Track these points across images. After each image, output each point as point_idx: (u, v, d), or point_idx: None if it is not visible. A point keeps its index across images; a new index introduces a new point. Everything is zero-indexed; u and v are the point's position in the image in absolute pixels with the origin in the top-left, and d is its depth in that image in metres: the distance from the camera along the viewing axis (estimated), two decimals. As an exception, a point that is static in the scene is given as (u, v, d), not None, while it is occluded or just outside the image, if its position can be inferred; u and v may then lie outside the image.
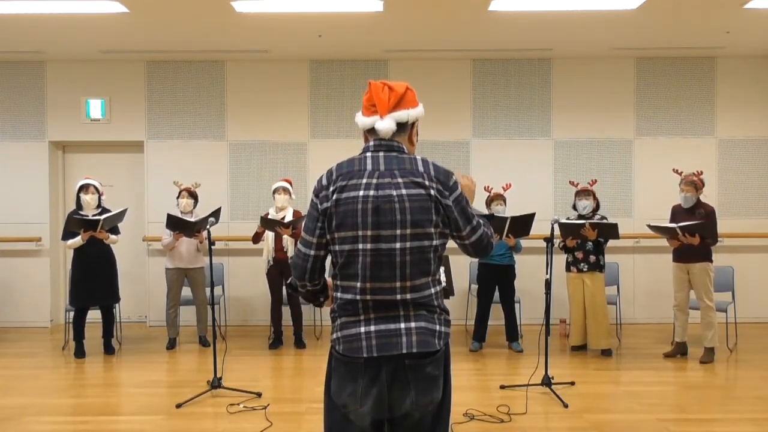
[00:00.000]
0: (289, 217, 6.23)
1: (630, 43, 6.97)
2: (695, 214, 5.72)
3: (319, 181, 2.18)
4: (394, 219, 2.05)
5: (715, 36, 6.68)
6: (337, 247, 2.12)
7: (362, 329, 2.07)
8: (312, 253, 2.16)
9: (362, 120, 2.20)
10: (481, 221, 2.22)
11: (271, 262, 6.36)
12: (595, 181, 6.33)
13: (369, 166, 2.12)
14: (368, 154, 2.16)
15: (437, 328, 2.09)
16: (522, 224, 5.63)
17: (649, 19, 6.09)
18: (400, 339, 2.04)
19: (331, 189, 2.12)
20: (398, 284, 2.06)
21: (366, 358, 2.05)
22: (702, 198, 5.85)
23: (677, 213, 5.90)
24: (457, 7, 5.68)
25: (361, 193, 2.08)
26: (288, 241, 6.30)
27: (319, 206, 2.14)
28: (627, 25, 6.30)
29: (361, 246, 2.07)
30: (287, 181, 6.51)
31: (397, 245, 2.05)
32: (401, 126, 2.17)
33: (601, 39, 6.80)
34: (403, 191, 2.06)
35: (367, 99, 2.20)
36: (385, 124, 2.14)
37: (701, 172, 5.91)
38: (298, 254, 2.20)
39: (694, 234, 5.56)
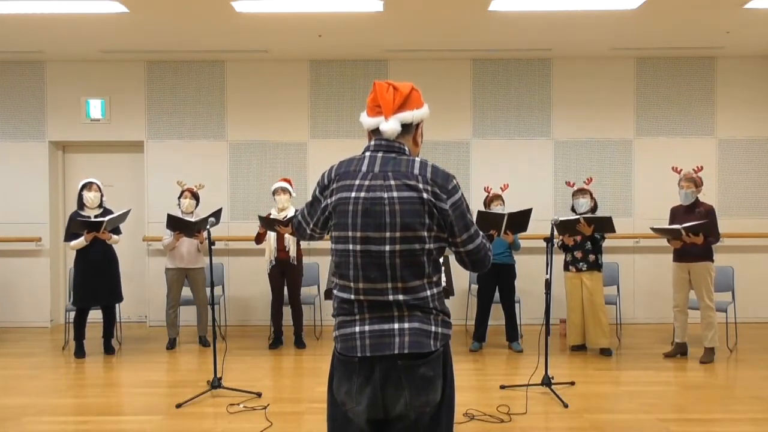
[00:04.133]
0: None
1: (630, 43, 6.97)
2: (695, 213, 5.73)
3: (322, 178, 2.21)
4: (384, 221, 2.04)
5: (715, 36, 6.68)
6: (333, 246, 2.15)
7: (357, 329, 2.07)
8: (308, 231, 2.31)
9: (366, 120, 2.18)
10: (480, 233, 2.18)
11: (273, 262, 6.36)
12: (591, 179, 6.31)
13: (364, 167, 2.11)
14: (367, 154, 2.16)
15: (432, 329, 2.07)
16: (519, 220, 5.66)
17: (649, 19, 6.09)
18: (393, 339, 2.04)
19: (331, 188, 2.14)
20: (390, 285, 2.05)
21: (360, 357, 2.05)
22: (701, 197, 5.85)
23: (677, 213, 5.90)
24: (457, 7, 5.68)
25: (353, 194, 2.08)
26: (290, 241, 6.30)
27: (321, 202, 2.19)
28: (627, 25, 6.30)
29: (351, 247, 2.08)
30: (286, 180, 6.50)
31: (387, 248, 2.04)
32: (406, 127, 2.15)
33: (601, 39, 6.80)
34: (395, 194, 2.05)
35: (372, 99, 2.17)
36: (390, 126, 2.12)
37: (701, 168, 5.91)
38: (299, 224, 2.33)
39: (697, 234, 5.56)
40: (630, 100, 7.56)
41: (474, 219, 2.19)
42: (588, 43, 6.97)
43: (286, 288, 6.46)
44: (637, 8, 5.74)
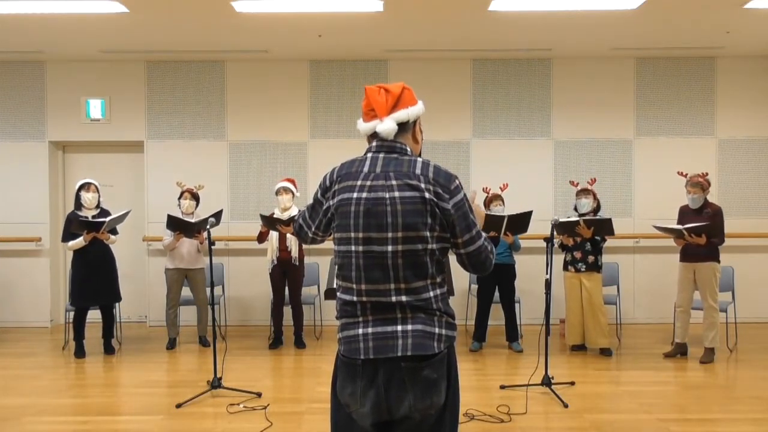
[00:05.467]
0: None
1: (630, 43, 6.97)
2: (702, 214, 5.72)
3: (324, 180, 2.20)
4: (385, 222, 2.03)
5: (715, 36, 6.68)
6: (336, 248, 2.15)
7: (360, 331, 2.07)
8: (310, 235, 2.30)
9: (363, 126, 2.19)
10: (483, 234, 2.16)
11: (275, 262, 6.36)
12: (594, 180, 6.32)
13: (366, 168, 2.11)
14: (369, 155, 2.16)
15: (436, 330, 2.06)
16: (519, 222, 5.69)
17: (649, 19, 6.09)
18: (396, 341, 2.03)
19: (333, 190, 2.14)
20: (392, 286, 2.04)
21: (363, 359, 2.05)
22: (709, 198, 5.84)
23: (685, 213, 5.89)
24: (457, 7, 5.68)
25: (355, 195, 2.08)
26: (292, 241, 6.30)
27: (323, 204, 2.18)
28: (627, 25, 6.30)
29: (353, 248, 2.08)
30: (289, 180, 6.49)
31: (389, 248, 2.04)
32: (402, 126, 2.15)
33: (601, 39, 6.80)
34: (396, 194, 2.04)
35: (365, 104, 2.18)
36: (386, 126, 2.12)
37: (707, 173, 5.91)
38: (300, 228, 2.32)
39: (700, 234, 5.56)
40: (630, 100, 7.56)
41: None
42: (588, 43, 6.97)
43: (286, 288, 6.46)
44: (637, 8, 5.74)
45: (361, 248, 2.06)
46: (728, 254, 6.93)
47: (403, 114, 2.15)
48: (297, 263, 6.36)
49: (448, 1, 5.55)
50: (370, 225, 2.05)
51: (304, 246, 6.73)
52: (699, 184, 5.76)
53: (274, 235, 6.32)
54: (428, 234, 2.05)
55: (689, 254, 5.80)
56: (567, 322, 6.22)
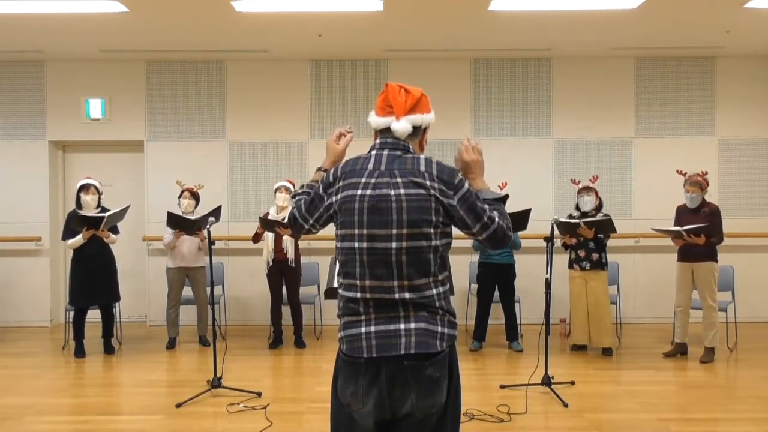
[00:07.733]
0: (290, 217, 6.20)
1: (630, 43, 6.97)
2: (700, 213, 5.72)
3: (326, 175, 2.21)
4: (390, 219, 2.05)
5: (715, 36, 6.68)
6: (339, 244, 2.16)
7: (363, 329, 2.07)
8: (306, 227, 2.31)
9: (376, 120, 2.20)
10: (494, 214, 2.15)
11: (271, 263, 6.36)
12: (596, 177, 6.31)
13: (370, 166, 2.13)
14: (373, 152, 2.18)
15: (438, 329, 2.07)
16: (518, 220, 5.69)
17: (649, 19, 6.09)
18: (399, 340, 2.04)
19: (336, 186, 2.15)
20: (396, 283, 2.05)
21: (366, 358, 2.05)
22: (706, 197, 5.85)
23: (682, 212, 5.89)
24: (457, 7, 5.69)
25: (359, 192, 2.09)
26: (288, 242, 6.29)
27: (325, 200, 2.19)
28: (627, 25, 6.30)
29: (357, 245, 2.08)
30: (290, 182, 6.52)
31: (393, 245, 2.05)
32: (415, 129, 2.19)
33: (601, 39, 6.80)
34: (402, 191, 2.06)
35: (383, 99, 2.20)
36: (401, 126, 2.15)
37: (706, 173, 5.91)
38: (296, 219, 2.31)
39: (699, 234, 5.56)
40: (630, 100, 7.56)
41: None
42: (588, 43, 6.97)
43: (285, 288, 6.46)
44: (637, 8, 5.74)
45: (365, 245, 2.07)
46: (728, 254, 6.93)
47: (418, 118, 2.18)
48: (293, 264, 6.35)
49: (448, 1, 5.55)
50: (375, 222, 2.06)
51: (302, 246, 6.73)
52: (698, 183, 5.76)
53: (269, 235, 6.31)
54: (432, 231, 2.07)
55: (687, 254, 5.80)
56: (573, 321, 6.21)
